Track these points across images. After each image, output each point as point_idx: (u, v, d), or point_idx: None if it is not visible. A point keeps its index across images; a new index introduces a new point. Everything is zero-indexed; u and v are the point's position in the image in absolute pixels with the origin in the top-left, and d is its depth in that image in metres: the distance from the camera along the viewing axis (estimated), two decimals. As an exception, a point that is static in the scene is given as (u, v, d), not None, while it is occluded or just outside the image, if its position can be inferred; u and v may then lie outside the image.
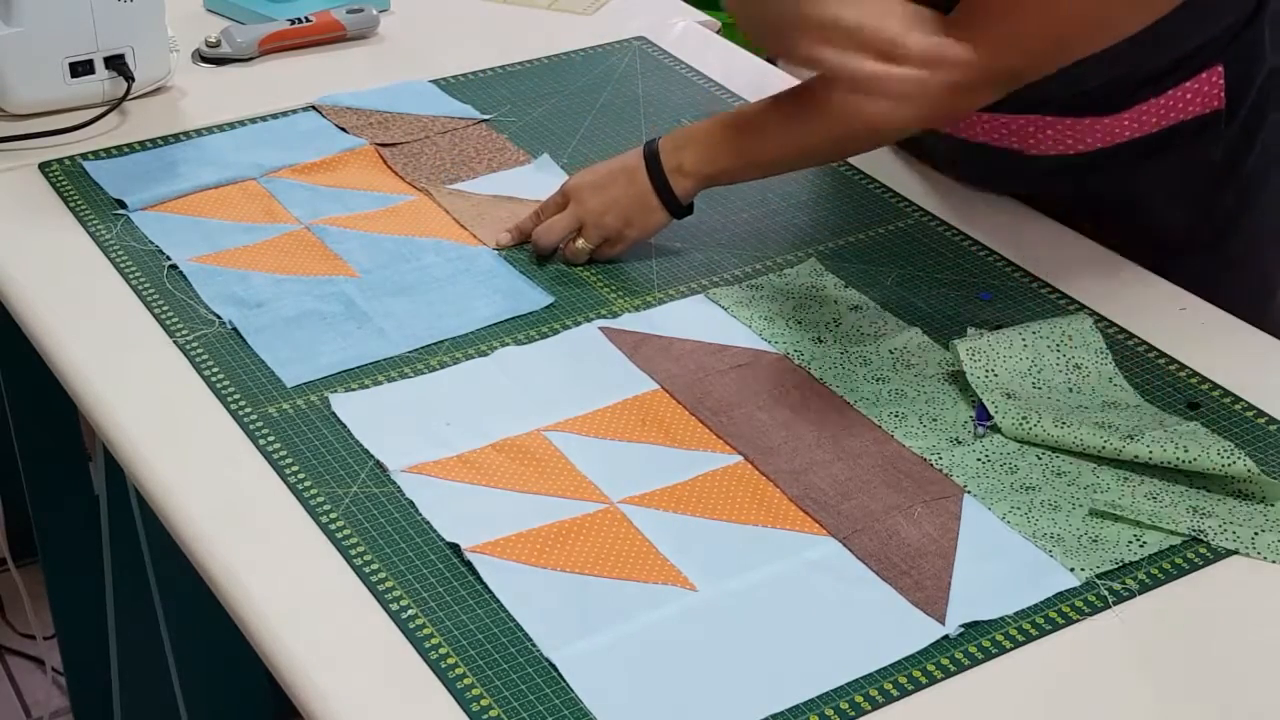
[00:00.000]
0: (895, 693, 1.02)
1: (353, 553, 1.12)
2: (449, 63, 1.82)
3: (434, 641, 1.05)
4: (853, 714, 1.00)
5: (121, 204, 1.53)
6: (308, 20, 1.86)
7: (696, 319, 1.38)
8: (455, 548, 1.12)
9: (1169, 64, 1.40)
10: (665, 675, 1.03)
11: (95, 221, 1.51)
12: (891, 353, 1.32)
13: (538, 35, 1.91)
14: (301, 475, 1.19)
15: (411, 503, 1.16)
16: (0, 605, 2.53)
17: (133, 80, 1.68)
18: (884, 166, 1.62)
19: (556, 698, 1.01)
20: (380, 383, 1.29)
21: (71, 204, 1.54)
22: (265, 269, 1.44)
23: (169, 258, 1.45)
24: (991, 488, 1.18)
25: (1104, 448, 1.19)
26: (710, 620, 1.07)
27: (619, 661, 1.03)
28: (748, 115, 1.43)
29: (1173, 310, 1.41)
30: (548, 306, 1.40)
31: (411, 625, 1.06)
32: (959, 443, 1.23)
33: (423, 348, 1.34)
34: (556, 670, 1.03)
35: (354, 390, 1.28)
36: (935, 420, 1.25)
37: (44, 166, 1.60)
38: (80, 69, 1.66)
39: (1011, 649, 1.05)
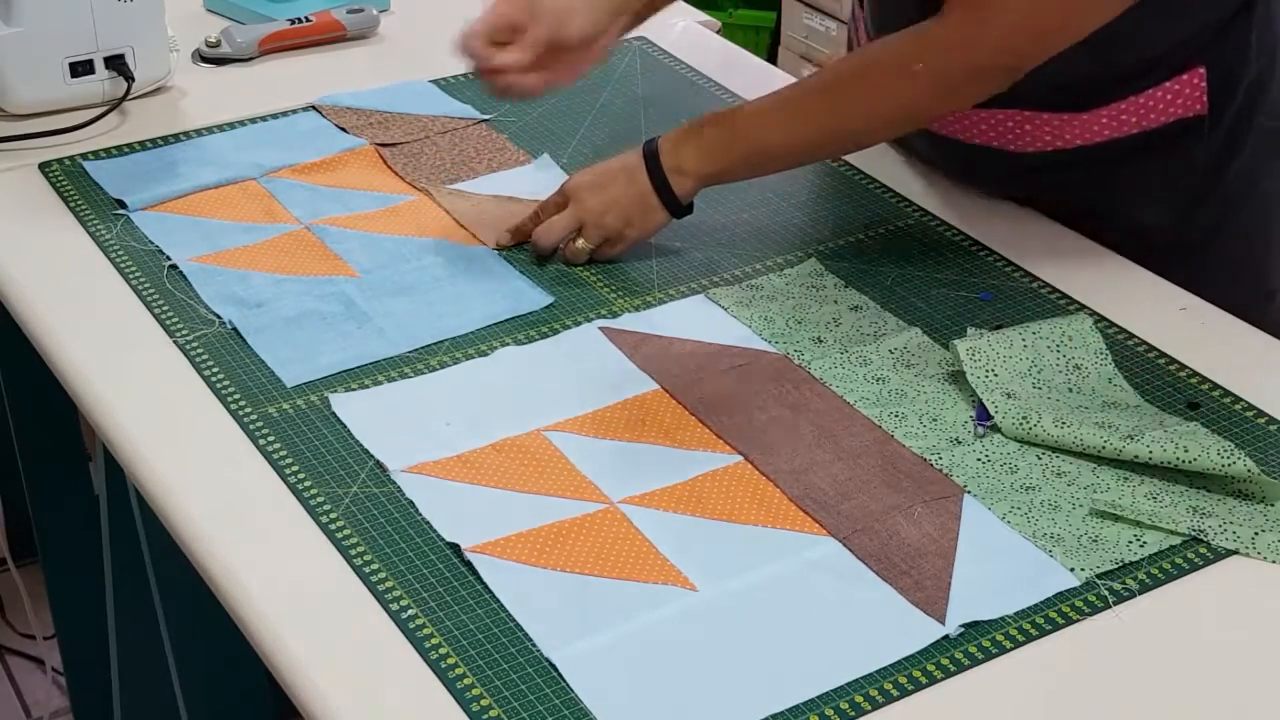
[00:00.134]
0: (895, 693, 1.02)
1: (353, 553, 1.12)
2: (449, 63, 1.81)
3: (434, 641, 1.05)
4: (853, 714, 1.00)
5: (121, 204, 1.53)
6: (308, 20, 1.86)
7: (696, 319, 1.38)
8: (455, 548, 1.12)
9: (1144, 62, 1.40)
10: (665, 675, 1.03)
11: (95, 221, 1.51)
12: (891, 353, 1.33)
13: (538, 35, 1.90)
14: (301, 475, 1.19)
15: (411, 503, 1.16)
16: (0, 605, 2.53)
17: (133, 80, 1.68)
18: (884, 166, 1.62)
19: (556, 698, 1.01)
20: (380, 383, 1.29)
21: (71, 204, 1.54)
22: (265, 269, 1.44)
23: (169, 258, 1.45)
24: (991, 488, 1.18)
25: (1104, 448, 1.19)
26: (710, 620, 1.07)
27: (619, 661, 1.03)
28: (747, 112, 1.43)
29: (1173, 310, 1.41)
30: (548, 306, 1.40)
31: (411, 625, 1.06)
32: (959, 443, 1.23)
33: (423, 348, 1.34)
34: (556, 670, 1.03)
35: (354, 390, 1.28)
36: (935, 420, 1.25)
37: (44, 166, 1.60)
38: (80, 69, 1.66)
39: (1011, 649, 1.05)
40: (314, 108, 1.72)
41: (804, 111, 1.39)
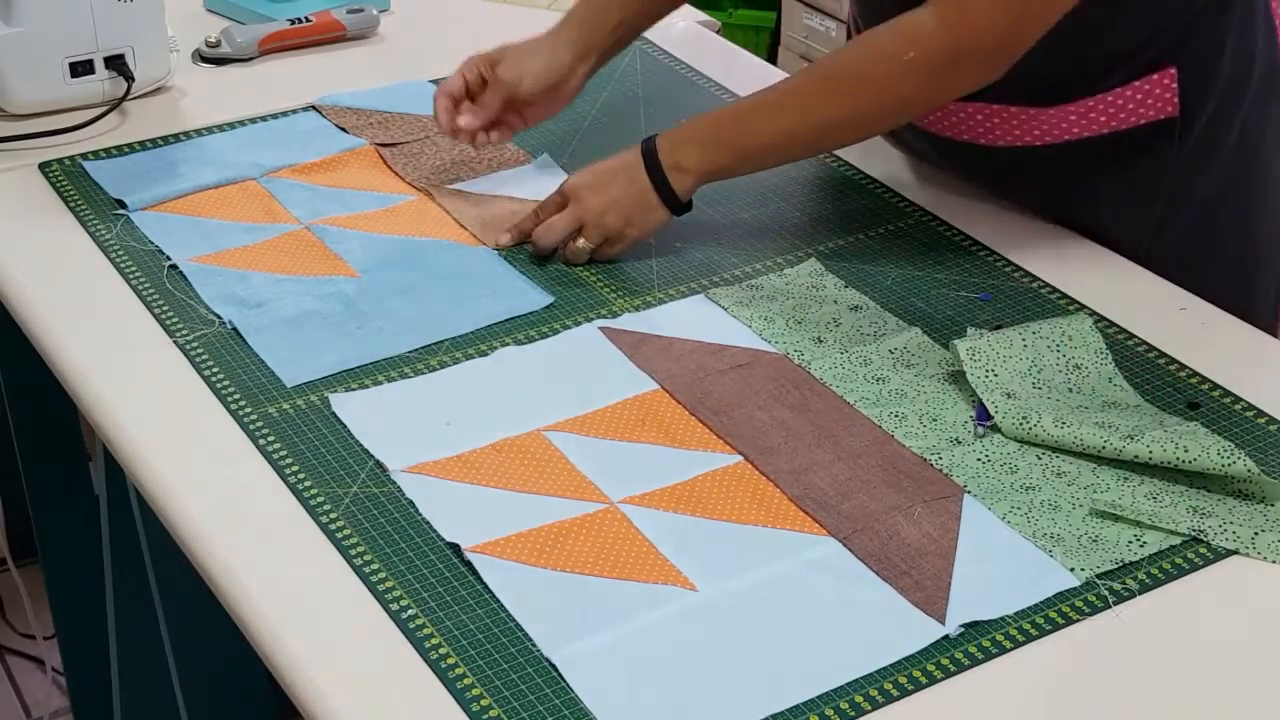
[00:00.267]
0: (895, 693, 1.02)
1: (353, 553, 1.12)
2: (449, 63, 1.81)
3: (434, 641, 1.05)
4: (853, 714, 1.00)
5: (121, 204, 1.53)
6: (308, 20, 1.86)
7: (696, 319, 1.38)
8: (455, 548, 1.12)
9: (1113, 54, 1.40)
10: (665, 675, 1.03)
11: (95, 221, 1.51)
12: (891, 353, 1.33)
13: (538, 35, 1.91)
14: (301, 475, 1.19)
15: (411, 503, 1.16)
16: (0, 605, 2.53)
17: (133, 80, 1.69)
18: (884, 166, 1.62)
19: (556, 698, 1.01)
20: (380, 383, 1.29)
21: (71, 204, 1.54)
22: (265, 269, 1.44)
23: (169, 258, 1.45)
24: (991, 488, 1.18)
25: (1104, 448, 1.19)
26: (710, 620, 1.07)
27: (619, 661, 1.03)
28: (744, 108, 1.43)
29: (1173, 310, 1.41)
30: (548, 306, 1.40)
31: (411, 625, 1.06)
32: (959, 443, 1.23)
33: (423, 348, 1.34)
34: (556, 670, 1.03)
35: (354, 390, 1.28)
36: (935, 420, 1.25)
37: (44, 166, 1.60)
38: (80, 69, 1.66)
39: (1011, 649, 1.05)
40: (314, 108, 1.72)
41: (802, 105, 1.39)
